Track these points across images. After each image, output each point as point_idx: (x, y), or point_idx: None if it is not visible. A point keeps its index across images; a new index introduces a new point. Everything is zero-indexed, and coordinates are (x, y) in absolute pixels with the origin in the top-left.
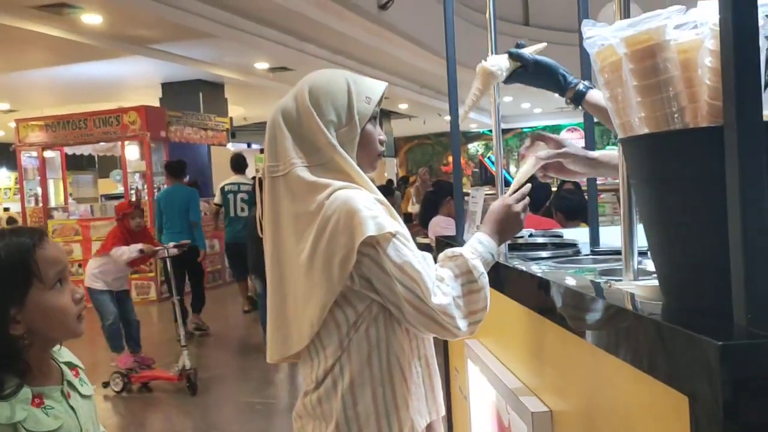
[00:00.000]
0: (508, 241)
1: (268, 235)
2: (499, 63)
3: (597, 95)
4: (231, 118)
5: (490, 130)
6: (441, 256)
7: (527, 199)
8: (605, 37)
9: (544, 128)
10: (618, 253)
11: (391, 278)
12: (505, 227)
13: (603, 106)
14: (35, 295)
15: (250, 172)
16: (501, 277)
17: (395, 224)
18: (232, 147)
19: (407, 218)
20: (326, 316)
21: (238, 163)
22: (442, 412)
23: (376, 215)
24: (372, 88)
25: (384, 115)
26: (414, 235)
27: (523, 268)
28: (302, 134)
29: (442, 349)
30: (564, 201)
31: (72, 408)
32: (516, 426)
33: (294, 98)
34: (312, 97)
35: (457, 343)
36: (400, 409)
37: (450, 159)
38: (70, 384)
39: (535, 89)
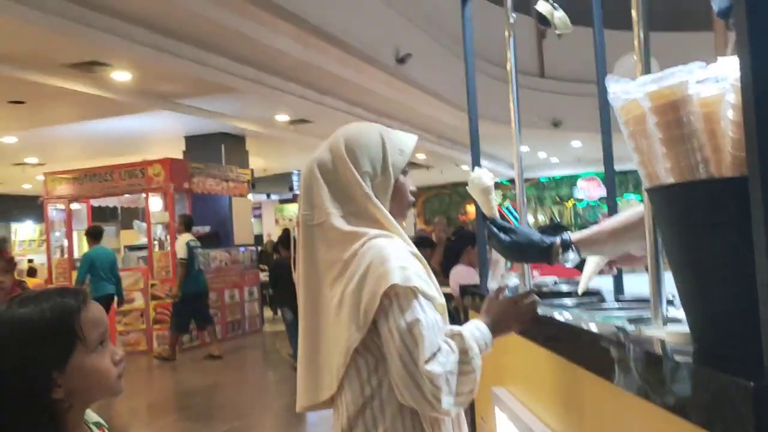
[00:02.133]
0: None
1: (302, 282)
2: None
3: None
4: (252, 170)
5: (508, 180)
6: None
7: (535, 303)
8: (629, 91)
9: (561, 178)
10: (642, 300)
11: (391, 330)
12: (504, 323)
13: (595, 235)
14: (77, 358)
15: (267, 222)
16: None
17: (421, 282)
18: (252, 197)
19: None
20: (350, 362)
21: (190, 223)
22: None
23: (406, 267)
24: (405, 142)
25: None
26: None
27: (550, 315)
28: (338, 185)
29: None
30: None
31: None
32: None
33: (329, 150)
34: (348, 149)
35: (483, 391)
36: None
37: (468, 209)
38: None
39: (550, 139)
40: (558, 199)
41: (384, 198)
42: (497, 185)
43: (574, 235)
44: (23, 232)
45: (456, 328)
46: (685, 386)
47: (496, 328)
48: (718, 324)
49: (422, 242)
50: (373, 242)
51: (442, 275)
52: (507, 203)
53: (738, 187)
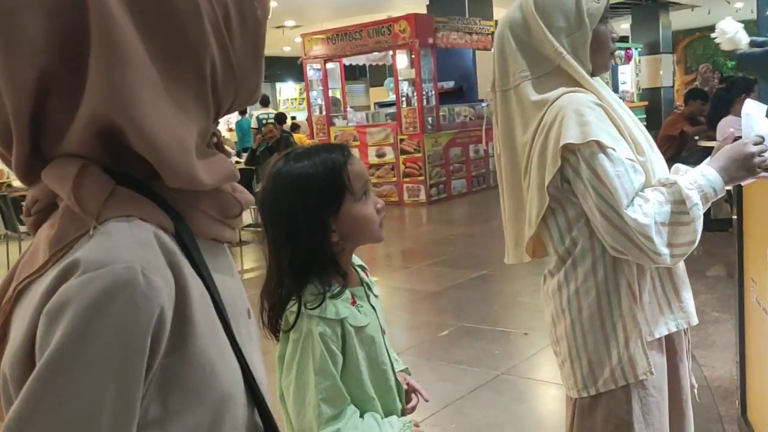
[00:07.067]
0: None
1: (503, 147)
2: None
3: None
4: (496, 21)
5: None
6: (655, 181)
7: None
8: None
9: None
10: None
11: (586, 186)
12: (735, 166)
13: None
14: (347, 206)
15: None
16: None
17: (603, 133)
18: None
19: None
20: (544, 219)
21: (265, 99)
22: (694, 321)
23: (587, 122)
24: None
25: (661, 6)
26: (699, 138)
27: None
28: (529, 45)
29: (737, 259)
30: None
31: (372, 307)
32: None
33: (520, 8)
34: (538, 6)
35: (755, 253)
36: (625, 317)
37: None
38: (368, 285)
39: None
40: None
41: (583, 52)
42: None
43: None
44: (286, 91)
45: (673, 177)
46: None
47: (727, 174)
48: None
49: (695, 94)
50: (556, 103)
51: (708, 127)
52: None
53: None
